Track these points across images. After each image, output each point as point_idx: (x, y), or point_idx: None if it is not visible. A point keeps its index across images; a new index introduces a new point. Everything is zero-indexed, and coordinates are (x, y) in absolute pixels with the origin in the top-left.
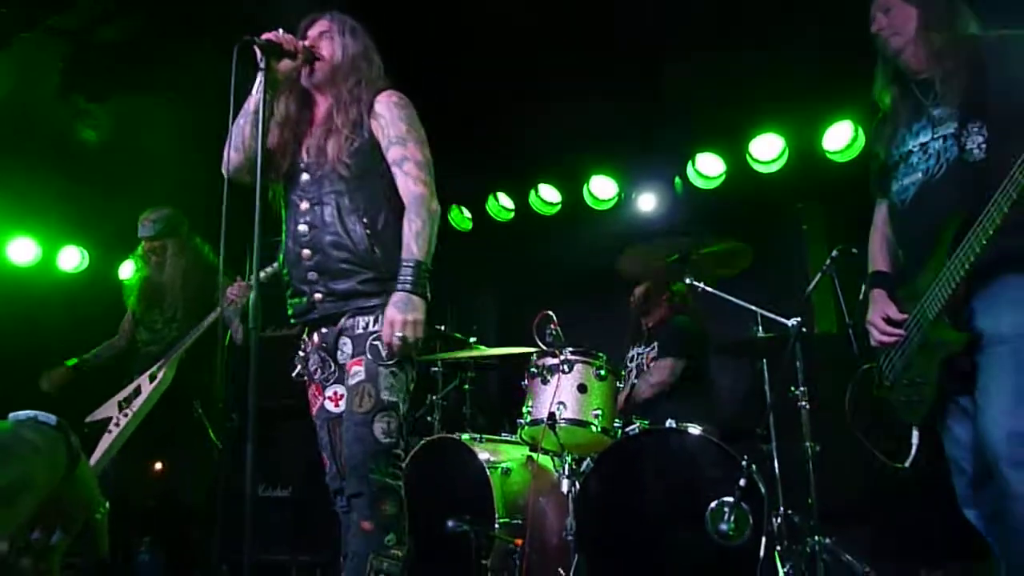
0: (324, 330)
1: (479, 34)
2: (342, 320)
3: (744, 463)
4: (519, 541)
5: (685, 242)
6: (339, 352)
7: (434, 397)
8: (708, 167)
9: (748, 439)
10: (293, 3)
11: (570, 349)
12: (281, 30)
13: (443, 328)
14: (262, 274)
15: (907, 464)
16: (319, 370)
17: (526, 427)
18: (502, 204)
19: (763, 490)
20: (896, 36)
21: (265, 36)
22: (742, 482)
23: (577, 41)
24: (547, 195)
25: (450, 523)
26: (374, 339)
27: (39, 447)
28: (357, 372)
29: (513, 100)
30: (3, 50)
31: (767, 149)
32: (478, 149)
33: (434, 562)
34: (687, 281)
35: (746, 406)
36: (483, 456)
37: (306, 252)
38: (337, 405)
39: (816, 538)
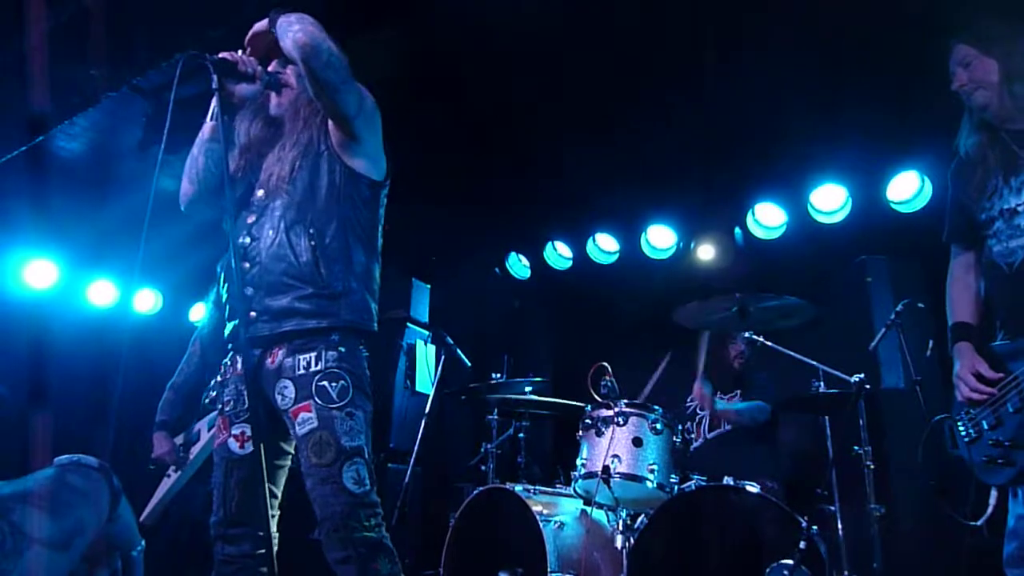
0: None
1: (540, 80)
2: (278, 355)
3: (804, 524)
4: None
5: (742, 296)
6: (278, 396)
7: (488, 446)
8: (768, 217)
9: (809, 499)
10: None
11: (625, 402)
12: (241, 52)
13: (499, 376)
14: None
15: (980, 523)
16: (233, 403)
17: (580, 480)
18: (560, 253)
19: (824, 553)
20: (980, 91)
21: (220, 55)
22: (802, 544)
23: (638, 89)
24: (604, 244)
25: (502, 575)
26: (319, 379)
27: (87, 492)
28: (307, 420)
29: (572, 148)
30: (93, 107)
31: (829, 200)
32: (536, 198)
33: None
34: (746, 335)
35: (807, 464)
36: (536, 508)
37: (245, 265)
38: (242, 447)
39: None
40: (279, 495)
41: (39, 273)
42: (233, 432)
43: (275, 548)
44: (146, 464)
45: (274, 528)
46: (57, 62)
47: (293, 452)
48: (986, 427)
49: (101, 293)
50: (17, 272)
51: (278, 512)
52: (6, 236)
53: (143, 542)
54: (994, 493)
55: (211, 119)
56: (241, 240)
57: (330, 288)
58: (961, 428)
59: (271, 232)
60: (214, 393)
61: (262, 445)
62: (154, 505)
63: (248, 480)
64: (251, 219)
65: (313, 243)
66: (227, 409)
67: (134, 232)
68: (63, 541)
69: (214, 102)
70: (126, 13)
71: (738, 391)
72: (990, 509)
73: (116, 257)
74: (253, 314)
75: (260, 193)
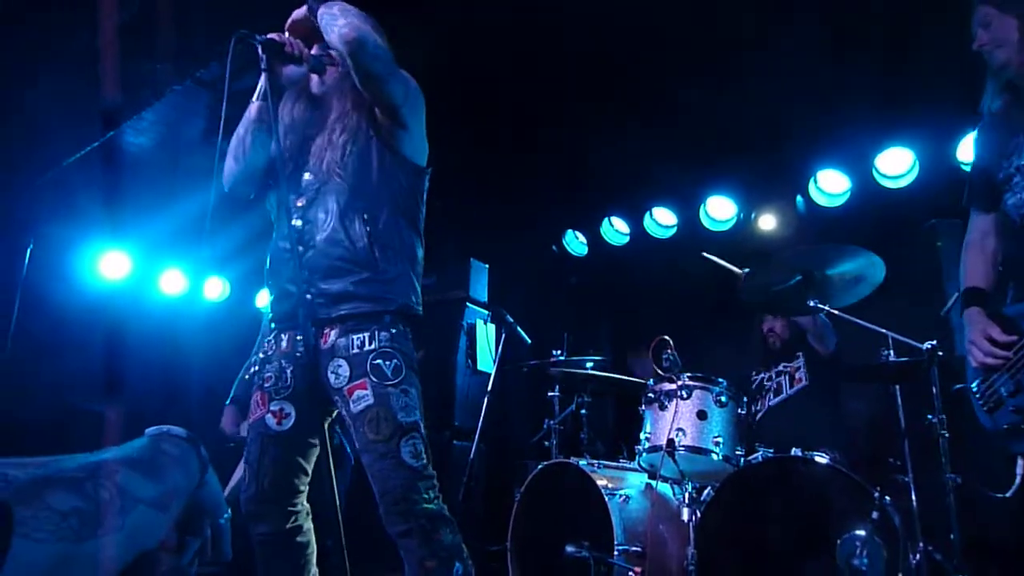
0: (299, 338)
1: (594, 55)
2: (331, 335)
3: (876, 495)
4: (638, 569)
5: (808, 260)
6: (332, 375)
7: (551, 422)
8: (831, 184)
9: (882, 470)
10: None
11: (688, 375)
12: (287, 33)
13: (559, 353)
14: None
15: (1009, 495)
16: (274, 379)
17: (645, 453)
18: (617, 228)
19: (898, 524)
20: (999, 49)
21: (268, 36)
22: (875, 515)
23: (695, 58)
24: (662, 218)
25: (569, 548)
26: (375, 358)
27: (179, 459)
28: (363, 397)
29: (625, 121)
30: (159, 101)
31: (896, 163)
32: (592, 173)
33: None
34: (811, 303)
35: (878, 435)
36: (601, 483)
37: (299, 248)
38: (280, 423)
39: None
40: (310, 472)
41: (113, 265)
42: (271, 408)
43: (309, 519)
44: (217, 446)
45: (304, 503)
46: (125, 58)
47: (326, 432)
48: (1005, 393)
49: (172, 282)
50: (93, 264)
51: (306, 488)
52: (82, 230)
53: (229, 511)
54: (1020, 463)
55: (257, 99)
56: (293, 223)
57: (386, 273)
58: (978, 396)
59: (324, 216)
60: (255, 368)
61: (326, 426)
62: (236, 482)
63: (282, 457)
64: (301, 202)
65: (368, 228)
66: (267, 385)
67: (202, 223)
68: (163, 502)
69: (262, 81)
70: (188, 7)
71: (799, 353)
72: (1019, 479)
73: (186, 247)
74: (309, 296)
75: (309, 177)
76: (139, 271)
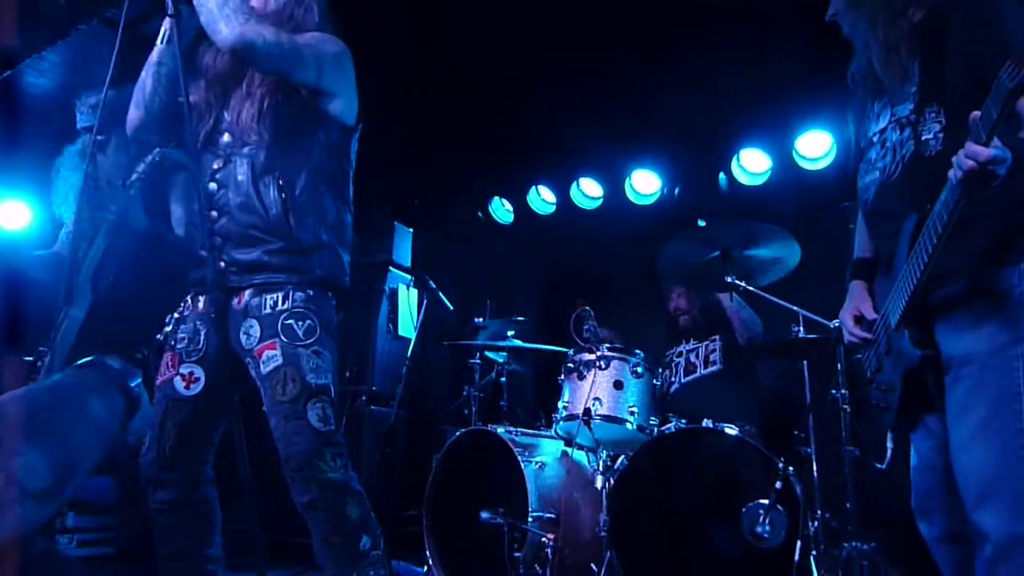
0: (212, 297)
1: (522, 25)
2: (245, 295)
3: (781, 465)
4: (551, 535)
5: (727, 237)
6: (243, 336)
7: (471, 390)
8: (753, 163)
9: (787, 442)
10: None
11: (607, 346)
12: None
13: (481, 320)
14: None
15: (883, 466)
16: (187, 340)
17: (561, 422)
18: (543, 198)
19: (800, 493)
20: (843, 16)
21: None
22: (778, 484)
23: (620, 34)
24: (589, 189)
25: (484, 515)
26: (286, 318)
27: (98, 391)
28: (272, 357)
29: (555, 92)
30: (62, 40)
31: (815, 146)
32: (520, 142)
33: (467, 553)
34: (728, 279)
35: (787, 408)
36: (518, 450)
37: (212, 214)
38: (188, 387)
39: (853, 544)
40: (215, 441)
41: (11, 214)
42: (181, 371)
43: (213, 488)
44: None
45: (209, 471)
46: None
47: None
48: (872, 369)
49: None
50: None
51: (212, 457)
52: None
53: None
54: (889, 435)
55: (161, 42)
56: (208, 186)
57: (300, 243)
58: (865, 368)
59: (239, 180)
60: (168, 328)
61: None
62: None
63: (188, 423)
64: (217, 164)
65: (284, 195)
66: (179, 346)
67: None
68: (53, 490)
69: (166, 23)
70: None
71: (715, 334)
72: (888, 453)
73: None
74: (222, 264)
75: (227, 138)
76: (39, 221)
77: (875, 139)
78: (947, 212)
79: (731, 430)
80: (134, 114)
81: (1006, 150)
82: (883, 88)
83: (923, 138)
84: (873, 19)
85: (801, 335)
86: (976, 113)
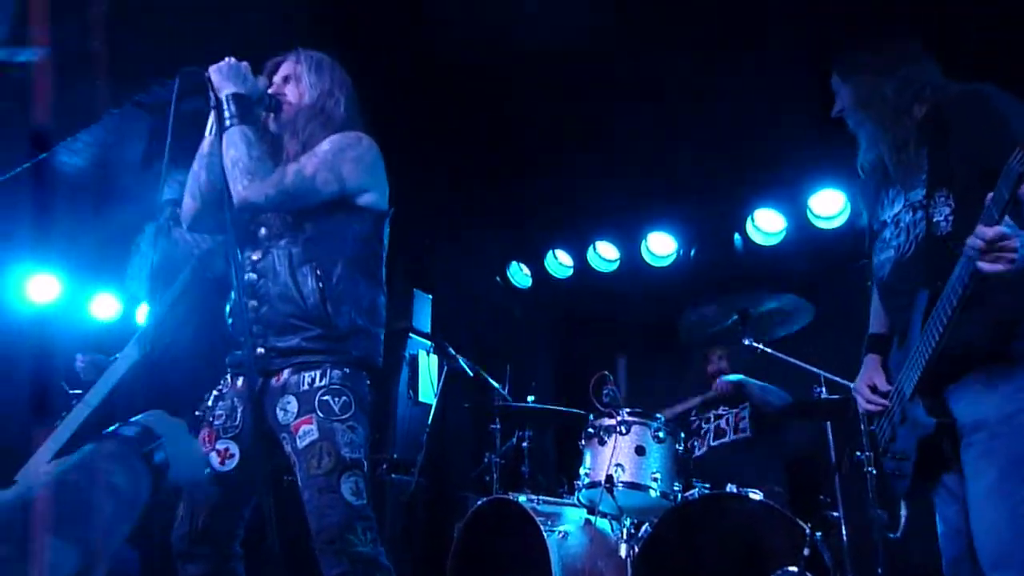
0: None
1: (540, 87)
2: (284, 374)
3: (808, 531)
4: None
5: (743, 301)
6: (280, 412)
7: (492, 456)
8: (768, 223)
9: (814, 506)
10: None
11: (627, 410)
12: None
13: (501, 386)
14: None
15: (898, 535)
16: (224, 417)
17: (584, 489)
18: (561, 261)
19: (828, 560)
20: (848, 115)
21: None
22: (806, 551)
23: (638, 96)
24: (605, 252)
25: None
26: (323, 394)
27: (121, 464)
28: (308, 432)
29: (571, 155)
30: (94, 123)
31: (829, 205)
32: (537, 206)
33: None
34: (746, 342)
35: (812, 471)
36: (540, 519)
37: (252, 303)
38: (223, 463)
39: None
40: (246, 517)
41: (41, 287)
42: (217, 447)
43: (242, 565)
44: None
45: (238, 547)
46: (60, 79)
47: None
48: (887, 439)
49: (104, 306)
50: (20, 287)
51: (242, 532)
52: (8, 252)
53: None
54: (904, 504)
55: (210, 134)
56: (248, 276)
57: (338, 330)
58: (879, 438)
59: (278, 271)
60: (209, 403)
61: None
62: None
63: (220, 498)
64: (256, 256)
65: (321, 285)
66: (216, 423)
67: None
68: (93, 560)
69: (212, 117)
70: (128, 29)
71: (746, 403)
72: (902, 521)
73: (118, 270)
74: (260, 351)
75: (263, 232)
76: (69, 294)
77: (889, 220)
78: (961, 286)
79: (755, 495)
80: (190, 204)
81: (1016, 228)
82: (894, 178)
83: (935, 220)
84: (880, 119)
85: (824, 396)
86: (991, 195)
